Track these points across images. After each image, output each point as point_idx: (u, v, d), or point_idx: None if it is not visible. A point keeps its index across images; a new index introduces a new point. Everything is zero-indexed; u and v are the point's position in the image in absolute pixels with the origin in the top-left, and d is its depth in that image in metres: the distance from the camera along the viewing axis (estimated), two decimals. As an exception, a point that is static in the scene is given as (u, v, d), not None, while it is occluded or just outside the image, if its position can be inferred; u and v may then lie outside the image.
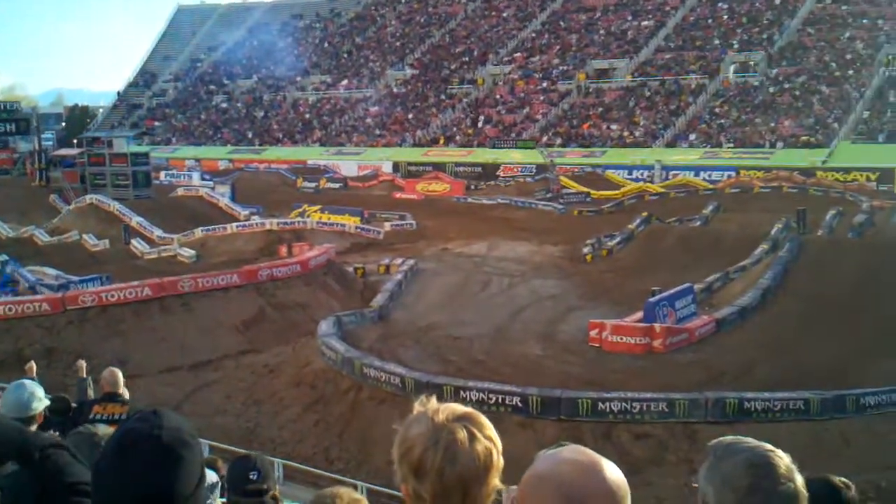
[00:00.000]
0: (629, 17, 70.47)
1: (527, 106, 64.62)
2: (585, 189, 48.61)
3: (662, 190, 47.73)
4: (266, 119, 76.36)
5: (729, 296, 24.97)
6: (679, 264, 27.84)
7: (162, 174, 56.25)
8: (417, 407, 1.82)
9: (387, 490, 12.50)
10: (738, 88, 58.79)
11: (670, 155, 53.14)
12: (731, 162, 50.73)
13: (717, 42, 63.56)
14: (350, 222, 38.97)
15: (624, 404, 15.93)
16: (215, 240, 35.41)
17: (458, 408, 1.81)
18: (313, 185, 54.50)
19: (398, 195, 51.24)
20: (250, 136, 73.77)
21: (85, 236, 36.52)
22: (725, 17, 66.31)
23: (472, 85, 69.75)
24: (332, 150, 66.95)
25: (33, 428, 3.97)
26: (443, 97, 69.86)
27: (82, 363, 9.97)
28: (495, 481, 1.77)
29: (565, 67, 67.03)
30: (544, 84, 66.39)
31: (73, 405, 6.79)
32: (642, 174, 51.84)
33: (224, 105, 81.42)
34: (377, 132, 68.17)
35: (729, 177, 49.01)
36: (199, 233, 35.96)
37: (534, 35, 73.84)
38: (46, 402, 4.29)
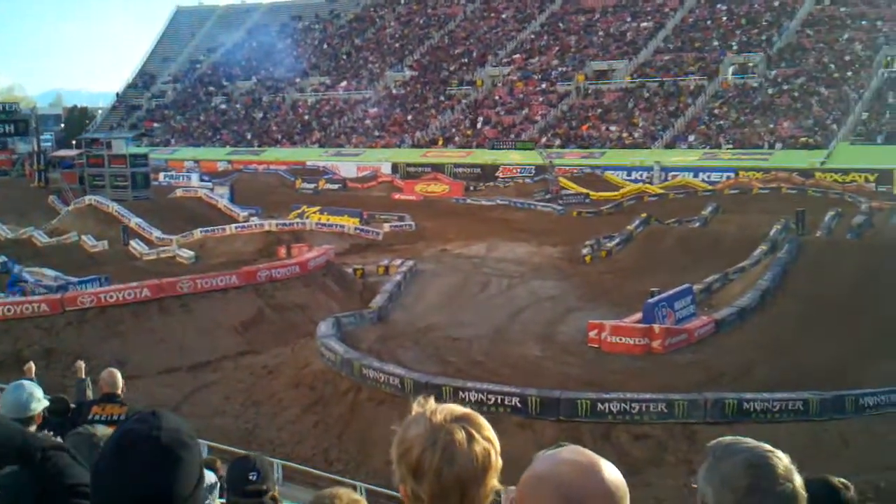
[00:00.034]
0: (628, 19, 70.51)
1: (526, 107, 64.64)
2: (584, 190, 48.62)
3: (661, 191, 47.76)
4: (265, 120, 76.36)
5: (728, 297, 24.98)
6: (678, 265, 27.85)
7: (161, 175, 56.27)
8: (416, 408, 1.82)
9: (386, 491, 12.50)
10: (737, 90, 58.83)
11: (669, 156, 53.18)
12: (730, 163, 50.75)
13: (716, 43, 63.59)
14: (349, 223, 38.98)
15: (623, 405, 15.94)
16: (214, 241, 35.41)
17: (457, 408, 1.81)
18: (312, 186, 54.51)
19: (397, 196, 51.26)
20: (249, 137, 73.77)
21: (84, 237, 36.50)
22: (724, 18, 66.35)
23: (471, 86, 69.78)
24: (331, 151, 66.95)
25: (32, 428, 3.97)
26: (442, 98, 69.88)
27: (81, 364, 9.97)
28: (493, 482, 1.76)
29: (564, 69, 67.06)
30: (543, 85, 66.42)
31: (72, 406, 6.79)
32: (641, 175, 51.86)
33: (223, 106, 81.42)
34: (376, 133, 68.19)
35: (728, 178, 49.03)
36: (197, 234, 35.96)
37: (533, 36, 73.87)
38: (45, 403, 4.29)
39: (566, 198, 47.42)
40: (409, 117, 68.68)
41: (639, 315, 21.52)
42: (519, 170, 56.20)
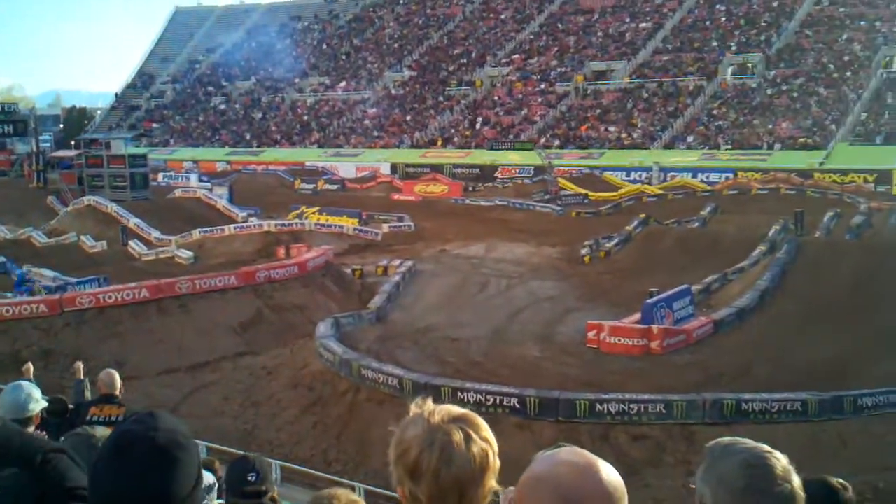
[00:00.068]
0: (627, 19, 70.53)
1: (525, 108, 64.65)
2: (583, 191, 48.64)
3: (660, 191, 47.79)
4: (264, 121, 76.37)
5: (727, 297, 24.99)
6: (677, 266, 27.85)
7: (160, 176, 56.30)
8: (414, 409, 1.82)
9: (385, 492, 12.49)
10: (735, 90, 58.85)
11: (668, 156, 53.19)
12: (729, 163, 50.76)
13: (714, 44, 63.62)
14: (348, 224, 39.00)
15: (622, 405, 15.94)
16: (213, 241, 35.41)
17: (455, 409, 1.81)
18: (311, 186, 54.52)
19: (396, 196, 51.28)
20: (248, 137, 73.77)
21: (83, 238, 36.51)
22: (723, 19, 66.38)
23: (470, 87, 69.79)
24: (330, 151, 66.95)
25: (31, 429, 3.97)
26: (441, 99, 69.89)
27: (80, 365, 9.96)
28: (492, 483, 1.76)
29: (563, 69, 67.07)
30: (542, 86, 66.43)
31: (71, 407, 6.78)
32: (640, 176, 51.89)
33: (222, 107, 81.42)
34: (375, 134, 68.19)
35: (727, 178, 49.05)
36: (196, 234, 35.96)
37: (532, 37, 73.89)
38: (44, 404, 4.28)
39: (565, 198, 47.45)
40: (408, 118, 68.70)
41: (637, 316, 21.53)
42: (518, 170, 56.20)
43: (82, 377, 9.48)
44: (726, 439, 1.95)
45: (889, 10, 60.09)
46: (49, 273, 28.99)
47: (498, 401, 16.29)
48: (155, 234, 36.68)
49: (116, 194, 42.36)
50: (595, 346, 20.83)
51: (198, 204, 43.03)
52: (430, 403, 1.82)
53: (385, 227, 39.35)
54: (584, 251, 32.50)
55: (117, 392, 6.60)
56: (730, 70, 60.97)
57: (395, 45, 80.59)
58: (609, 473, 1.59)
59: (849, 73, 55.69)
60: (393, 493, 1.82)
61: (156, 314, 23.51)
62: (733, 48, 62.30)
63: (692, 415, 15.85)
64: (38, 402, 4.17)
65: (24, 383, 4.44)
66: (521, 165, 56.43)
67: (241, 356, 21.90)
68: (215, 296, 24.55)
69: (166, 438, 1.84)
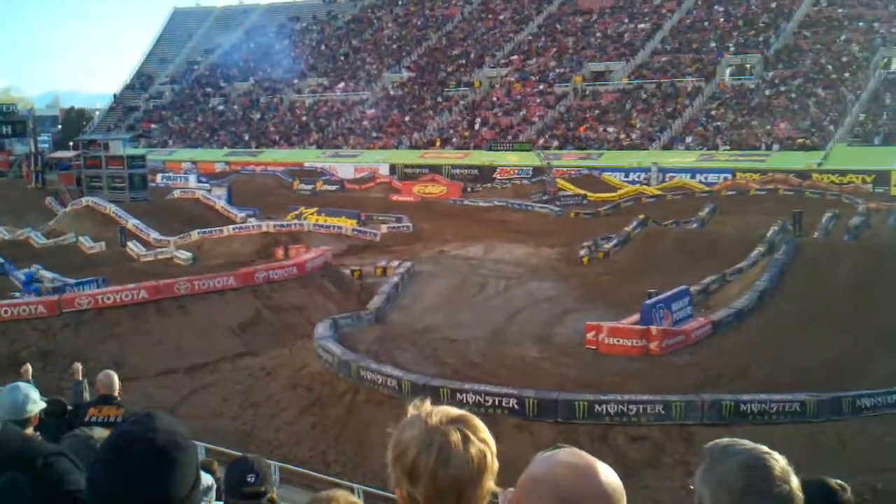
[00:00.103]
0: (626, 20, 70.57)
1: (523, 108, 64.67)
2: (582, 191, 48.65)
3: (659, 192, 47.83)
4: (263, 121, 76.35)
5: (725, 298, 25.00)
6: (675, 266, 27.85)
7: (158, 176, 56.28)
8: (411, 410, 1.82)
9: (384, 493, 12.49)
10: (734, 91, 58.89)
11: (667, 157, 53.21)
12: (728, 164, 50.78)
13: (713, 45, 63.65)
14: (347, 224, 39.00)
15: (620, 406, 15.93)
16: (212, 242, 35.40)
17: (452, 410, 1.80)
18: (310, 187, 54.51)
19: (395, 197, 51.27)
20: (247, 138, 73.75)
21: (81, 239, 36.50)
22: (721, 19, 66.43)
23: (468, 87, 69.80)
24: (328, 152, 66.94)
25: (29, 430, 3.97)
26: (439, 100, 69.90)
27: (78, 366, 9.96)
28: (490, 484, 1.76)
29: (562, 70, 67.10)
30: (541, 87, 66.44)
31: (69, 408, 6.78)
32: (639, 176, 51.91)
33: (221, 107, 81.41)
34: (374, 134, 68.19)
35: (725, 179, 49.09)
36: (195, 235, 35.96)
37: (530, 38, 73.91)
38: (42, 405, 4.28)
39: (564, 199, 47.46)
40: (407, 118, 68.70)
41: (636, 316, 21.53)
42: (516, 171, 56.20)
43: (81, 378, 9.49)
44: (725, 440, 1.95)
45: (887, 11, 60.14)
46: (48, 274, 28.98)
47: (497, 402, 16.29)
48: (153, 234, 36.67)
49: (115, 195, 42.33)
50: (594, 347, 20.83)
51: (196, 205, 43.03)
52: (427, 405, 1.82)
53: (384, 228, 39.35)
54: (582, 252, 32.51)
55: (116, 393, 6.59)
56: (728, 71, 61.01)
57: (394, 46, 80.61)
58: (607, 475, 1.59)
59: (847, 74, 55.74)
60: (391, 495, 1.81)
61: (154, 315, 23.51)
62: (731, 49, 62.35)
63: (691, 416, 15.85)
64: (35, 404, 4.17)
65: (22, 384, 4.43)
66: (519, 166, 56.44)
67: (240, 357, 21.90)
68: (214, 297, 24.55)
69: (164, 439, 1.84)
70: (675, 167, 51.50)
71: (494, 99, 67.46)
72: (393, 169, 60.61)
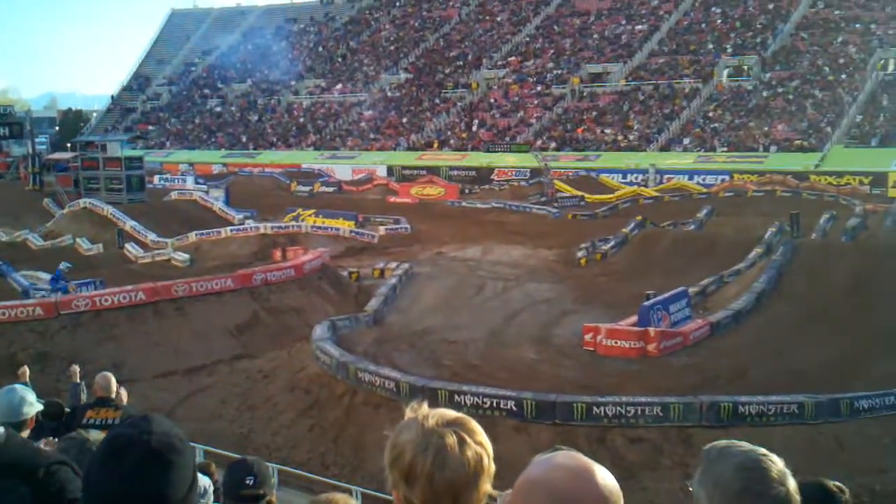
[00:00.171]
0: (623, 22, 70.61)
1: (521, 110, 64.68)
2: (580, 193, 48.68)
3: (657, 194, 47.87)
4: (260, 123, 76.33)
5: (723, 299, 25.01)
6: (673, 268, 27.87)
7: (156, 178, 56.22)
8: (408, 413, 1.82)
9: (382, 495, 12.47)
10: (731, 92, 58.93)
11: (664, 159, 53.23)
12: (725, 166, 50.81)
13: (710, 46, 63.70)
14: (344, 226, 39.00)
15: (618, 408, 15.93)
16: (209, 244, 35.39)
17: (449, 413, 1.80)
18: (307, 189, 54.50)
19: (392, 199, 51.28)
20: (244, 140, 73.73)
21: (79, 240, 36.47)
22: (719, 21, 66.49)
23: (466, 89, 69.81)
24: (326, 154, 66.92)
25: (25, 433, 3.96)
26: (437, 101, 69.90)
27: (76, 368, 9.96)
28: (486, 487, 1.76)
29: (559, 71, 67.14)
30: (538, 88, 66.47)
31: (67, 410, 6.77)
32: (636, 178, 51.93)
33: (218, 109, 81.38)
34: (371, 136, 68.18)
35: (723, 181, 49.11)
36: (193, 237, 35.95)
37: (528, 39, 73.93)
38: (38, 407, 4.27)
39: (561, 200, 47.47)
40: (405, 120, 68.70)
41: (634, 318, 21.53)
42: (514, 172, 56.22)
43: (78, 380, 9.48)
44: (723, 442, 1.95)
45: (884, 13, 60.21)
46: (45, 276, 28.94)
47: (495, 403, 16.28)
48: (151, 236, 36.65)
49: (112, 197, 42.28)
50: (592, 349, 20.83)
51: (194, 206, 43.00)
52: (424, 407, 1.81)
53: (381, 230, 39.34)
54: (580, 253, 32.52)
55: (113, 395, 6.58)
56: (725, 72, 61.05)
57: (392, 48, 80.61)
58: (604, 477, 1.59)
59: (844, 76, 55.80)
60: (389, 497, 1.81)
61: (152, 317, 23.49)
62: (729, 50, 62.41)
63: (689, 417, 15.85)
64: (32, 406, 4.16)
65: (18, 386, 4.41)
66: (517, 168, 56.45)
67: (238, 359, 21.87)
68: (212, 298, 24.53)
69: (161, 442, 1.84)
70: (673, 169, 51.52)
71: (492, 100, 67.48)
72: (391, 170, 60.61)
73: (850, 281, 23.71)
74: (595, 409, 15.97)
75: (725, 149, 52.98)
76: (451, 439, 1.73)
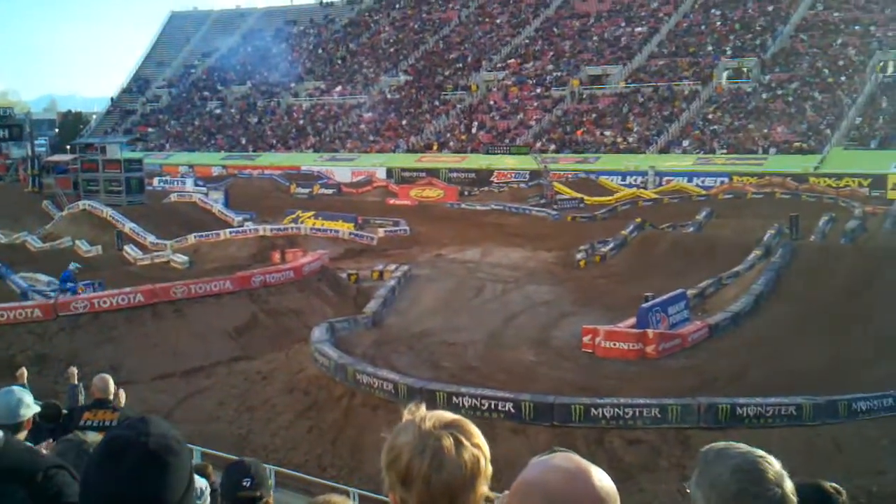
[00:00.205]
0: (622, 24, 70.66)
1: (520, 112, 64.71)
2: (579, 195, 48.69)
3: (656, 196, 47.89)
4: (260, 125, 76.35)
5: (722, 301, 25.00)
6: (672, 270, 27.88)
7: (155, 180, 56.25)
8: (406, 415, 1.82)
9: (380, 497, 12.46)
10: (731, 94, 58.97)
11: (664, 161, 53.26)
12: (725, 168, 50.85)
13: (710, 48, 63.76)
14: (344, 228, 39.00)
15: (616, 410, 15.91)
16: (208, 246, 35.39)
17: (446, 415, 1.80)
18: (307, 191, 54.52)
19: (392, 201, 51.29)
20: (244, 142, 73.75)
21: (78, 242, 36.45)
22: (718, 23, 66.54)
23: (465, 91, 69.84)
24: (325, 156, 66.94)
25: (22, 434, 3.95)
26: (436, 103, 69.94)
27: (74, 370, 9.94)
28: (483, 489, 1.76)
29: (559, 73, 67.17)
30: (538, 90, 66.51)
31: (64, 412, 6.76)
32: (636, 180, 51.96)
33: (218, 111, 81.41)
34: (371, 138, 68.20)
35: (722, 183, 49.14)
36: (192, 239, 35.94)
37: (527, 41, 73.99)
38: (36, 409, 4.27)
39: (561, 202, 47.49)
40: (404, 122, 68.73)
41: (633, 320, 21.52)
42: (513, 174, 56.25)
43: (76, 382, 9.47)
44: (720, 444, 1.95)
45: (884, 15, 60.28)
46: (44, 278, 28.93)
47: (493, 405, 16.27)
48: (150, 238, 36.63)
49: (112, 199, 42.28)
50: (590, 351, 20.82)
51: (193, 208, 43.00)
52: (422, 409, 1.82)
53: (380, 232, 39.34)
54: (579, 255, 32.52)
55: (111, 397, 6.58)
56: (725, 74, 61.10)
57: (391, 50, 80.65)
58: (601, 479, 1.59)
59: (843, 78, 55.85)
60: (387, 499, 1.81)
61: (151, 319, 23.46)
62: (728, 53, 62.46)
63: (687, 419, 15.83)
64: (29, 408, 4.16)
65: (16, 388, 4.41)
66: (516, 170, 56.48)
67: (236, 361, 21.85)
68: (210, 300, 24.50)
69: (158, 443, 1.84)
70: (672, 171, 51.56)
71: (491, 102, 67.51)
72: (390, 172, 60.63)
73: (849, 283, 23.71)
74: (593, 410, 15.96)
75: (725, 151, 53.03)
76: (448, 442, 1.73)
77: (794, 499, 1.84)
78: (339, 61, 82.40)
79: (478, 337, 22.49)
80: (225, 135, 75.95)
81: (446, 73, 73.32)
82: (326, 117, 73.96)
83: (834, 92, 54.77)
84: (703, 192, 47.28)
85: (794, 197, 42.77)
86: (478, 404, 16.20)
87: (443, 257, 33.75)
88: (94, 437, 3.10)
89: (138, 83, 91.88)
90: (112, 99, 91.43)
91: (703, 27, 66.87)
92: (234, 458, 6.71)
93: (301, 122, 74.58)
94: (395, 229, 40.32)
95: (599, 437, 15.66)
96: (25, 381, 8.84)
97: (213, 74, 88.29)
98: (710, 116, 57.26)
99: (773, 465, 1.85)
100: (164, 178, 59.31)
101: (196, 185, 54.05)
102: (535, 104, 65.04)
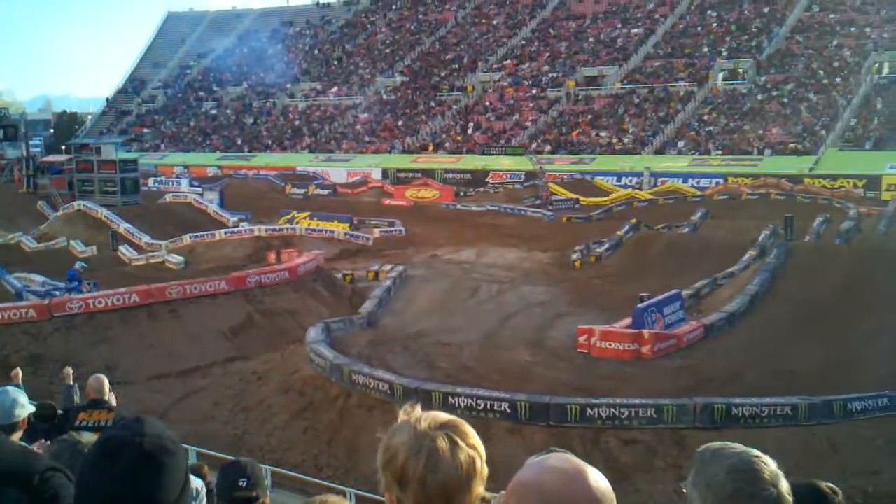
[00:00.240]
0: (618, 25, 70.74)
1: (516, 113, 64.76)
2: (574, 196, 48.73)
3: (651, 197, 47.95)
4: (255, 126, 76.29)
5: (717, 302, 25.03)
6: (667, 270, 27.90)
7: (150, 181, 56.20)
8: (401, 415, 1.82)
9: (376, 497, 12.46)
10: (726, 96, 59.07)
11: (659, 162, 53.34)
12: (720, 169, 50.94)
13: (705, 50, 63.86)
14: (339, 229, 38.97)
15: (612, 410, 15.92)
16: (203, 246, 35.34)
17: (442, 416, 1.80)
18: (302, 191, 54.48)
19: (387, 202, 51.27)
20: (239, 142, 73.70)
21: (72, 243, 36.38)
22: (714, 24, 66.65)
23: (461, 92, 69.87)
24: (321, 156, 66.93)
25: (17, 435, 3.95)
26: (432, 104, 69.95)
27: (69, 370, 9.94)
28: (479, 490, 1.76)
29: (555, 74, 67.23)
30: (534, 91, 66.57)
31: (59, 412, 6.74)
32: (631, 181, 52.01)
33: (213, 112, 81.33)
34: (366, 139, 68.21)
35: (717, 184, 49.23)
36: (187, 239, 35.88)
37: (523, 42, 74.04)
38: (31, 409, 4.26)
39: (556, 203, 47.52)
40: (400, 123, 68.73)
41: (628, 320, 21.53)
42: (509, 175, 56.30)
43: (72, 382, 9.46)
44: (716, 444, 1.95)
45: (879, 17, 60.43)
46: (38, 278, 28.88)
47: (489, 405, 16.27)
48: (145, 238, 36.57)
49: (107, 199, 42.19)
50: (586, 351, 20.82)
51: (188, 209, 42.93)
52: (418, 410, 1.82)
53: (376, 232, 39.33)
54: (574, 256, 32.54)
55: (106, 397, 6.56)
56: (720, 76, 61.20)
57: (387, 51, 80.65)
58: (597, 480, 1.59)
59: (839, 79, 55.98)
60: (383, 499, 1.81)
61: (146, 319, 23.43)
62: (724, 54, 62.57)
63: (683, 419, 15.84)
64: (24, 408, 4.15)
65: (11, 388, 4.40)
66: (512, 170, 56.53)
67: (232, 361, 21.83)
68: (206, 301, 24.47)
69: (152, 444, 1.84)
70: (668, 171, 51.63)
71: (487, 103, 67.55)
72: (385, 173, 60.63)
73: (843, 284, 23.73)
74: (589, 410, 15.96)
75: (720, 152, 53.13)
76: (443, 443, 1.73)
77: (790, 499, 1.84)
78: (336, 62, 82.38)
79: (473, 337, 22.49)
80: (220, 135, 75.89)
81: (442, 73, 73.35)
82: (322, 118, 73.93)
83: (829, 93, 54.90)
84: (699, 193, 47.35)
85: (788, 198, 42.86)
86: (474, 404, 16.20)
87: (438, 258, 33.74)
88: (89, 438, 3.09)
89: (134, 84, 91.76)
90: (107, 99, 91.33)
91: (698, 28, 66.97)
92: (230, 458, 6.70)
93: (297, 122, 74.55)
94: (391, 230, 40.31)
95: (595, 437, 15.66)
96: (20, 381, 8.83)
97: (208, 75, 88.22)
98: (705, 117, 57.36)
99: (769, 465, 1.86)
100: (159, 179, 59.25)
101: (191, 185, 53.99)
102: (531, 105, 65.09)
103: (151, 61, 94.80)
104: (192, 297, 24.39)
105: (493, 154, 59.56)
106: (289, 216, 41.79)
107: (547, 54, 70.60)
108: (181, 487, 1.88)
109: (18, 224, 41.30)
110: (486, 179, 56.93)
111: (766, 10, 65.62)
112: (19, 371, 9.75)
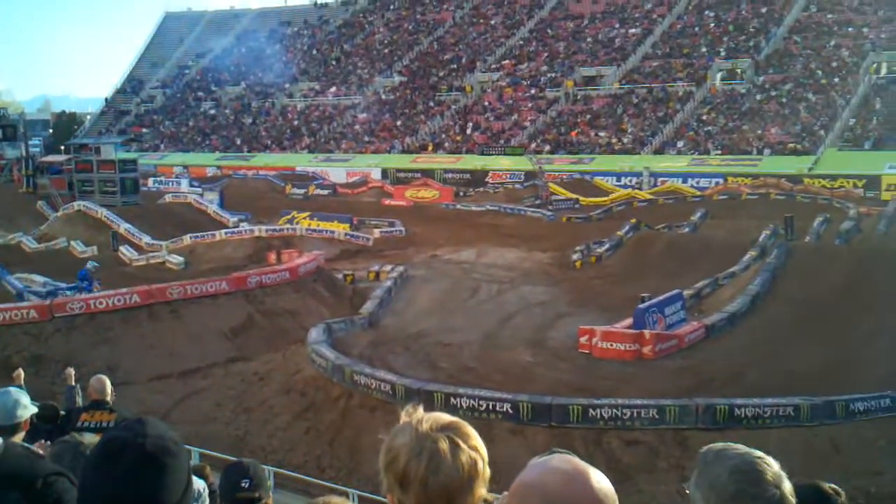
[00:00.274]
0: (617, 25, 70.75)
1: (515, 113, 64.76)
2: (574, 196, 48.73)
3: (651, 197, 47.95)
4: (254, 126, 76.29)
5: (718, 302, 25.02)
6: (668, 271, 27.90)
7: (150, 181, 56.17)
8: (403, 416, 1.82)
9: (378, 498, 12.45)
10: (725, 96, 59.08)
11: (658, 162, 53.35)
12: (719, 169, 50.95)
13: (704, 50, 63.86)
14: (339, 229, 38.96)
15: (614, 411, 15.91)
16: (204, 247, 35.33)
17: (444, 417, 1.80)
18: (302, 191, 54.46)
19: (387, 202, 51.27)
20: (239, 142, 73.69)
21: (73, 243, 36.36)
22: (712, 24, 66.65)
23: (460, 92, 69.87)
24: (320, 156, 66.93)
25: (19, 436, 3.95)
26: (431, 104, 69.94)
27: (71, 371, 9.94)
28: (481, 491, 1.76)
29: (553, 74, 67.23)
30: (532, 91, 66.57)
31: (62, 413, 6.75)
32: (631, 181, 52.01)
33: (212, 112, 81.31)
34: (366, 139, 68.20)
35: (717, 184, 49.24)
36: (187, 240, 35.87)
37: (522, 42, 74.04)
38: (33, 410, 4.26)
39: (556, 203, 47.51)
40: (399, 123, 68.72)
41: (629, 321, 21.53)
42: (508, 175, 56.29)
43: (74, 383, 9.46)
44: (719, 445, 1.95)
45: (877, 17, 60.45)
46: (39, 278, 28.86)
47: (491, 406, 16.26)
48: (145, 239, 36.55)
49: (106, 199, 42.16)
50: (587, 352, 20.82)
51: (188, 209, 42.92)
52: (420, 411, 1.82)
53: (376, 233, 39.32)
54: (575, 256, 32.53)
55: (108, 398, 6.57)
56: (719, 76, 61.22)
57: (386, 51, 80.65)
58: (599, 481, 1.59)
59: (837, 79, 55.99)
60: (385, 500, 1.81)
61: (147, 320, 23.41)
62: (722, 54, 62.58)
63: (685, 420, 15.83)
64: (26, 409, 4.15)
65: (13, 389, 4.40)
66: (511, 170, 56.53)
67: (233, 362, 21.81)
68: (207, 301, 24.45)
69: (154, 445, 1.84)
70: (667, 172, 51.64)
71: (486, 103, 67.55)
72: (385, 173, 60.63)
73: (843, 284, 23.73)
74: (591, 411, 15.95)
75: (719, 152, 53.13)
76: (445, 444, 1.73)
77: (793, 500, 1.84)
78: (334, 62, 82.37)
79: (474, 338, 22.48)
80: (219, 135, 75.88)
81: (441, 73, 73.35)
82: (321, 118, 73.93)
83: (828, 93, 54.91)
84: (698, 193, 47.35)
85: (788, 198, 42.85)
86: (476, 405, 16.19)
87: (438, 258, 33.74)
88: (90, 439, 3.09)
89: (132, 84, 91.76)
90: (106, 99, 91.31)
91: (696, 28, 66.97)
92: (233, 459, 6.70)
93: (296, 122, 74.55)
94: (391, 230, 40.31)
95: (597, 437, 15.65)
96: (22, 381, 8.83)
97: (207, 75, 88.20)
98: (704, 117, 57.37)
99: (772, 465, 1.86)
100: (158, 179, 59.24)
101: (191, 185, 53.96)
102: (530, 105, 65.09)
103: (150, 61, 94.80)
104: (192, 297, 24.38)
105: (492, 154, 59.58)
106: (289, 216, 41.80)
107: (545, 54, 70.60)
108: (183, 488, 1.88)
109: (18, 224, 41.28)
110: (486, 179, 56.94)
111: (763, 10, 65.63)
112: (21, 372, 9.75)
